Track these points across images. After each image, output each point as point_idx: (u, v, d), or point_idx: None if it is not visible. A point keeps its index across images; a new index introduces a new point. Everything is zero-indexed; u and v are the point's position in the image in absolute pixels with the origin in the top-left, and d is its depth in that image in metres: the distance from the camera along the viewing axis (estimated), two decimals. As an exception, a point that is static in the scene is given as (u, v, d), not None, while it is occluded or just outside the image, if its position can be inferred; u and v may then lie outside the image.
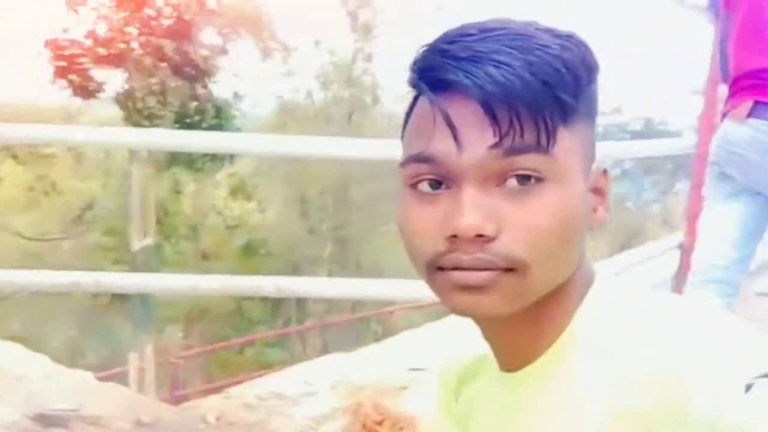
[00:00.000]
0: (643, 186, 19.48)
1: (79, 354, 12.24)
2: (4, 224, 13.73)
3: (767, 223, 2.61)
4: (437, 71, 0.63)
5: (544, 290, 0.66)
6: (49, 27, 13.10)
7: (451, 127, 0.62)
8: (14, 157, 13.39)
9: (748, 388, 0.55)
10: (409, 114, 0.70)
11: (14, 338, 4.12)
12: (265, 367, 11.00)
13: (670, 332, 0.61)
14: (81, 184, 14.41)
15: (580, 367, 0.66)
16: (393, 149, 3.64)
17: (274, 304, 14.83)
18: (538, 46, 0.62)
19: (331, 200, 15.52)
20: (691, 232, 3.90)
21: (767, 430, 0.53)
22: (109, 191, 13.91)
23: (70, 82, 12.78)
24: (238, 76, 14.31)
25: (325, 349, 13.08)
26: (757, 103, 2.44)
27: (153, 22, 12.83)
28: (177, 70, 12.74)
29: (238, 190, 16.59)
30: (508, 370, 0.73)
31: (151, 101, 12.28)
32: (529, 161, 0.62)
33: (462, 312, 0.67)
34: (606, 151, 3.94)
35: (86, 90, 12.89)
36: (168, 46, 12.49)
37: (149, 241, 8.87)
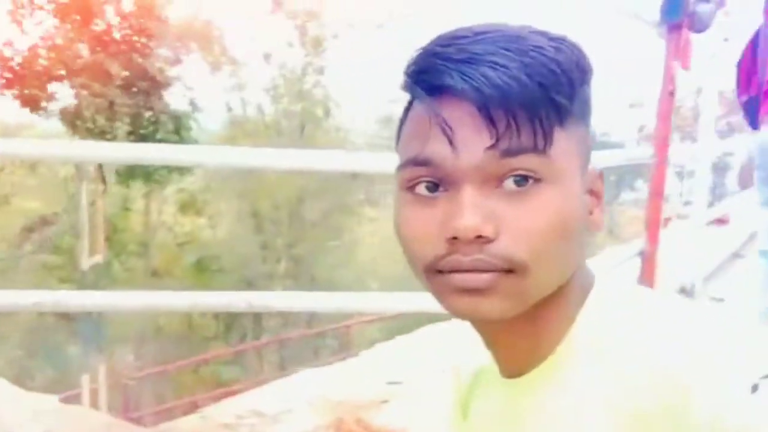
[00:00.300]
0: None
1: (28, 376, 11.82)
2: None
3: None
4: (432, 74, 0.63)
5: (544, 292, 0.66)
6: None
7: (448, 130, 0.62)
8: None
9: (755, 388, 0.55)
10: (404, 118, 0.70)
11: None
12: (222, 385, 10.83)
13: (673, 335, 0.61)
14: (26, 202, 14.01)
15: (583, 371, 0.65)
16: (348, 161, 3.62)
17: (228, 321, 14.63)
18: (532, 48, 0.62)
19: (285, 215, 15.41)
20: (652, 240, 3.98)
21: None
22: (54, 208, 13.55)
23: (19, 95, 12.43)
24: (191, 89, 14.14)
25: (282, 366, 12.94)
26: None
27: (105, 37, 12.58)
28: (129, 84, 12.51)
29: (189, 206, 16.36)
30: (510, 376, 0.72)
31: (101, 119, 12.01)
32: (526, 162, 0.62)
33: (462, 315, 0.66)
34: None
35: (35, 104, 12.54)
36: (120, 59, 12.26)
37: (99, 258, 8.63)
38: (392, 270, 18.19)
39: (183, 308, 2.81)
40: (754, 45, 2.90)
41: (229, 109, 16.66)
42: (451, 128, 0.62)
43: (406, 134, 0.68)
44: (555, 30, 0.67)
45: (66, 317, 12.00)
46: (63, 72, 12.36)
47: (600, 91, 0.77)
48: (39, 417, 2.83)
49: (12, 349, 13.05)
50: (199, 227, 16.44)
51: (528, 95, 0.61)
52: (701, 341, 0.60)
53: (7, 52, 12.57)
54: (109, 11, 12.84)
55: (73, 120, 12.21)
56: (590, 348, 0.66)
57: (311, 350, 13.84)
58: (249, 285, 13.93)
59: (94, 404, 5.85)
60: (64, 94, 12.89)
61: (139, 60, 12.45)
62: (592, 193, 0.70)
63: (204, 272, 14.81)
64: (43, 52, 12.60)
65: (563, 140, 0.64)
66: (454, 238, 0.62)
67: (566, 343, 0.68)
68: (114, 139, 11.62)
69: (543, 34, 0.65)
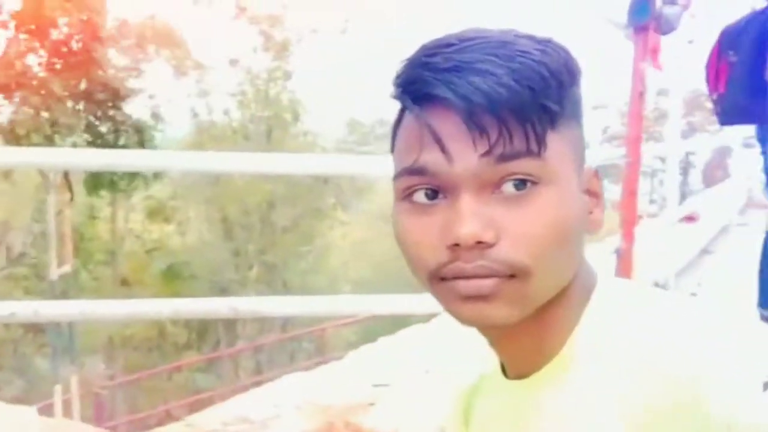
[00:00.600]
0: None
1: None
2: None
3: None
4: (420, 85, 0.63)
5: (548, 295, 0.66)
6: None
7: (439, 140, 0.62)
8: None
9: (766, 386, 0.55)
10: (396, 127, 0.69)
11: None
12: (197, 393, 10.70)
13: (685, 332, 0.61)
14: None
15: (591, 369, 0.65)
16: (317, 164, 3.61)
17: (201, 329, 14.45)
18: (519, 53, 0.62)
19: (256, 220, 15.27)
20: (627, 238, 4.05)
21: None
22: (19, 219, 13.28)
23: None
24: (153, 97, 13.92)
25: (258, 371, 12.83)
26: None
27: (63, 48, 12.29)
28: (88, 95, 12.22)
29: (157, 213, 16.14)
30: (517, 377, 0.72)
31: (37, 137, 11.58)
32: (521, 166, 0.62)
33: (468, 321, 0.66)
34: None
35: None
36: (77, 71, 11.96)
37: (68, 268, 8.52)
38: (363, 274, 18.16)
39: (166, 315, 2.78)
40: (720, 43, 2.98)
41: (195, 115, 16.49)
42: (443, 137, 0.62)
43: (399, 143, 0.68)
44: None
45: (34, 328, 11.76)
46: (14, 82, 11.97)
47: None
48: (20, 429, 2.78)
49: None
50: (168, 234, 16.23)
51: (518, 101, 0.61)
52: (715, 338, 0.60)
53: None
54: (64, 21, 12.52)
55: (7, 136, 11.81)
56: (597, 346, 0.66)
57: (287, 355, 13.73)
58: (221, 292, 13.78)
59: (68, 415, 5.75)
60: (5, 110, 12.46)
61: (99, 72, 12.17)
62: (590, 192, 0.70)
63: (174, 280, 14.61)
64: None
65: (556, 142, 0.64)
66: (455, 245, 0.62)
67: (572, 342, 0.68)
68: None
69: (529, 37, 0.65)
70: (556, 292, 0.67)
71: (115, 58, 13.37)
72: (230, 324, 13.63)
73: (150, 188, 15.45)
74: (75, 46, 12.51)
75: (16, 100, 12.00)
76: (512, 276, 0.63)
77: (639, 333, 0.64)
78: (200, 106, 16.53)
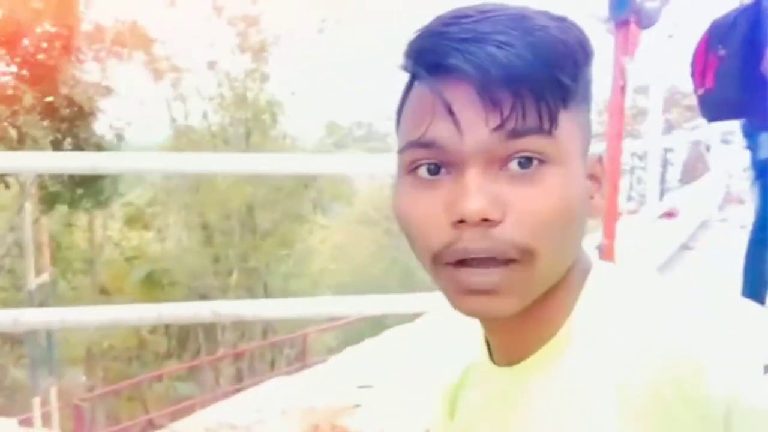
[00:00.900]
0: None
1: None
2: None
3: None
4: (436, 54, 0.61)
5: (551, 281, 0.65)
6: None
7: (450, 111, 0.60)
8: None
9: (767, 369, 0.54)
10: (403, 100, 0.67)
11: None
12: (178, 401, 10.60)
13: (683, 316, 0.60)
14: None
15: (587, 353, 0.64)
16: (301, 164, 3.58)
17: (181, 336, 14.34)
18: (537, 27, 0.61)
19: (235, 225, 15.19)
20: (609, 234, 4.06)
21: None
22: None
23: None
24: (120, 119, 13.69)
25: (239, 378, 12.74)
26: None
27: (31, 59, 12.10)
28: (54, 110, 12.02)
29: (135, 220, 16.02)
30: (509, 363, 0.71)
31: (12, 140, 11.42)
32: (531, 143, 0.61)
33: (471, 314, 0.65)
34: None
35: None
36: (44, 83, 11.76)
37: (46, 277, 8.40)
38: (343, 278, 18.16)
39: (148, 322, 2.72)
40: (709, 37, 2.97)
41: (173, 120, 16.38)
42: (453, 111, 0.60)
43: (407, 116, 0.66)
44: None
45: (12, 340, 11.59)
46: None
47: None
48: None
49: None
50: (147, 241, 16.10)
51: (534, 75, 0.59)
52: (715, 320, 0.59)
53: None
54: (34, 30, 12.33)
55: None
56: (593, 330, 0.65)
57: (268, 361, 13.67)
58: (202, 298, 13.68)
59: (47, 427, 5.66)
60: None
61: (64, 90, 11.99)
62: (593, 177, 0.69)
63: (154, 287, 14.48)
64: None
65: (567, 121, 0.62)
66: (461, 221, 0.60)
67: (567, 326, 0.67)
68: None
69: (545, 13, 0.63)
70: (559, 278, 0.66)
71: (86, 70, 13.19)
72: (211, 331, 13.54)
73: (128, 194, 15.32)
74: (42, 57, 12.36)
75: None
76: (516, 261, 0.61)
77: (636, 316, 0.63)
78: (178, 110, 16.44)
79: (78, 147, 12.02)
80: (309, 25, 17.35)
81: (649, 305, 0.63)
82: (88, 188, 12.36)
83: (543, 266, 0.62)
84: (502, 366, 0.72)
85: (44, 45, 12.32)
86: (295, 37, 16.97)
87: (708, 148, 9.39)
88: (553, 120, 0.61)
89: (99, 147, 12.33)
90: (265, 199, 14.87)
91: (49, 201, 12.00)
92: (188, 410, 8.82)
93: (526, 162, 0.61)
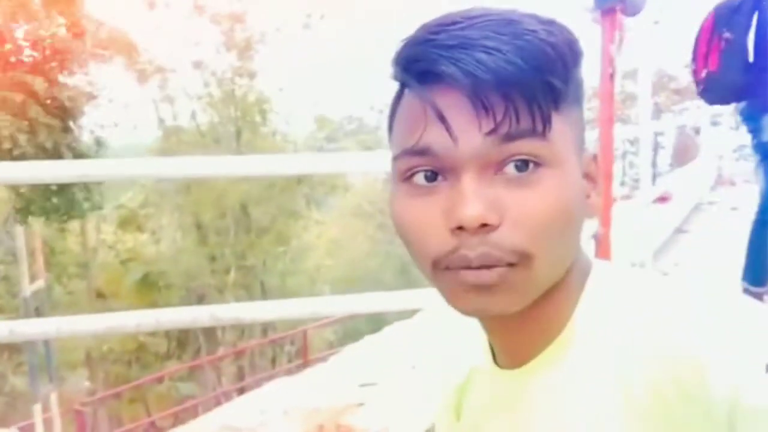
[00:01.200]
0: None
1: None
2: None
3: None
4: (424, 62, 0.61)
5: (550, 282, 0.65)
6: None
7: (443, 118, 0.60)
8: None
9: None
10: (394, 109, 0.68)
11: None
12: (179, 402, 10.60)
13: (686, 315, 0.60)
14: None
15: (590, 353, 0.65)
16: (295, 164, 3.58)
17: (181, 337, 14.31)
18: (526, 31, 0.61)
19: (230, 224, 15.14)
20: (605, 222, 4.07)
21: None
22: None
23: None
24: (102, 126, 13.58)
25: (240, 377, 12.74)
26: None
27: (12, 58, 11.99)
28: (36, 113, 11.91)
29: (129, 222, 15.96)
30: (510, 366, 0.72)
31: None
32: (526, 146, 0.61)
33: (470, 312, 0.65)
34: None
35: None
36: (26, 87, 11.64)
37: (41, 283, 8.37)
38: (340, 272, 18.14)
39: (146, 328, 2.72)
40: (714, 21, 2.96)
41: (161, 121, 16.29)
42: (447, 116, 0.60)
43: (399, 124, 0.66)
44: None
45: (10, 347, 11.55)
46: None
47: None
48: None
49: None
50: (142, 243, 16.04)
51: (524, 79, 0.59)
52: (717, 319, 0.59)
53: None
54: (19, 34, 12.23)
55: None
56: (595, 330, 0.65)
57: (269, 359, 13.67)
58: (199, 299, 13.68)
59: (49, 434, 5.67)
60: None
61: (47, 100, 11.89)
62: (588, 176, 0.69)
63: (151, 289, 14.45)
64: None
65: (560, 124, 0.63)
66: (459, 228, 0.60)
67: (569, 327, 0.67)
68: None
69: (533, 17, 0.63)
70: (558, 279, 0.66)
71: (69, 76, 13.08)
72: (210, 331, 13.51)
73: (121, 197, 15.23)
74: (27, 59, 12.25)
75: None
76: (515, 264, 0.61)
77: (638, 316, 0.63)
78: (166, 111, 16.35)
79: (57, 152, 11.94)
80: (294, 21, 17.27)
81: (651, 305, 0.63)
82: (61, 198, 12.29)
83: (541, 268, 0.62)
84: (506, 369, 0.73)
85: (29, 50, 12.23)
86: (281, 33, 16.88)
87: (698, 131, 9.41)
88: (546, 122, 0.61)
89: (78, 154, 12.24)
90: (259, 196, 14.82)
91: (23, 212, 11.93)
92: (191, 411, 8.83)
93: (521, 165, 0.61)
